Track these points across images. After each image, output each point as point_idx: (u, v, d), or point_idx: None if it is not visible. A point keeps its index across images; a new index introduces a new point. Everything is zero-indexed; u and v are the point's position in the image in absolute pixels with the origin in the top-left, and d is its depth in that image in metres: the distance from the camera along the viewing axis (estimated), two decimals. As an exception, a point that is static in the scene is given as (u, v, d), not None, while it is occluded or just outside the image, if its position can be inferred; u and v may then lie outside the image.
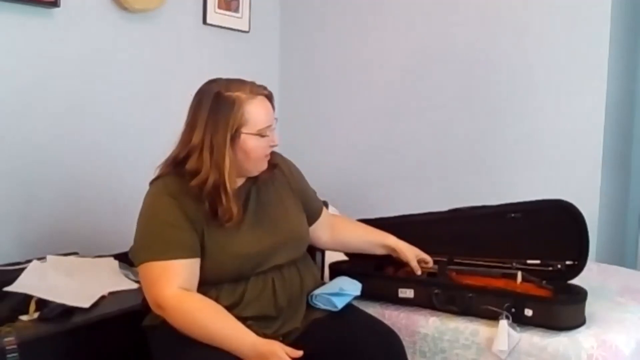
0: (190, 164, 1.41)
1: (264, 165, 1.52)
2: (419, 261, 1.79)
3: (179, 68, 2.60)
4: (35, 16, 2.09)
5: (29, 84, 2.10)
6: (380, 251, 1.81)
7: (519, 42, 2.46)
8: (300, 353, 1.35)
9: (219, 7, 2.73)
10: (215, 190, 1.40)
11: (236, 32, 2.84)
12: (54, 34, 2.15)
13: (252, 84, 1.49)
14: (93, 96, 2.30)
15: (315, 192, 1.77)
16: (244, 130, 1.43)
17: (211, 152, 1.40)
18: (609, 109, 2.34)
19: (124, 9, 2.35)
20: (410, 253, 1.78)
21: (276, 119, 1.52)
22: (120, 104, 2.39)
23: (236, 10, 2.82)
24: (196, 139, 1.41)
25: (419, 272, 1.78)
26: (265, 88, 1.50)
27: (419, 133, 2.74)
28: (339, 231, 1.80)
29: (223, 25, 2.77)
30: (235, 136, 1.42)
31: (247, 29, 2.88)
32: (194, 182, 1.39)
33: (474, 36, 2.57)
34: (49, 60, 2.15)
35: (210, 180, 1.39)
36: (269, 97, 1.51)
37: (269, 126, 1.47)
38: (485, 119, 2.56)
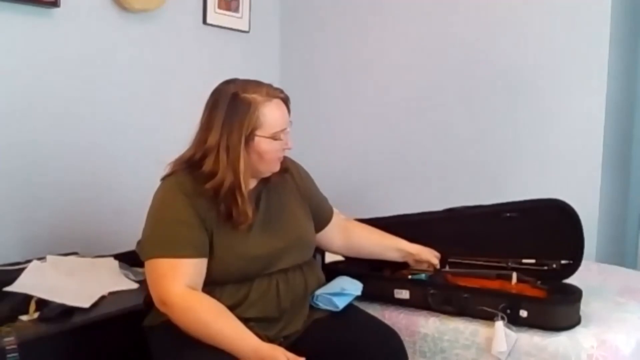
0: (207, 166, 1.40)
1: (276, 167, 1.52)
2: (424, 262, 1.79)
3: (179, 68, 2.60)
4: (35, 16, 2.09)
5: (29, 84, 2.10)
6: (394, 255, 1.81)
7: (519, 42, 2.46)
8: (302, 359, 1.35)
9: (219, 7, 2.73)
10: (231, 192, 1.40)
11: (236, 32, 2.85)
12: (54, 34, 2.16)
13: (269, 86, 1.48)
14: (93, 96, 2.30)
15: (326, 199, 1.77)
16: (258, 132, 1.43)
17: (227, 154, 1.40)
18: (609, 109, 2.34)
19: (124, 9, 2.35)
20: (428, 253, 1.79)
21: (291, 121, 1.51)
22: (120, 104, 2.39)
23: (236, 10, 2.82)
24: (212, 140, 1.41)
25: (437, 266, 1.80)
26: (281, 91, 1.50)
27: (419, 133, 2.74)
28: (354, 237, 1.80)
29: (223, 25, 2.77)
30: (249, 138, 1.42)
31: (247, 29, 2.89)
32: (209, 185, 1.39)
33: (474, 36, 2.57)
34: (49, 60, 2.15)
35: (227, 183, 1.39)
36: (285, 101, 1.51)
37: (284, 129, 1.47)
38: (485, 119, 2.56)
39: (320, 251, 1.92)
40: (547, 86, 2.41)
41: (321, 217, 1.71)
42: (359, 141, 2.93)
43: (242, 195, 1.40)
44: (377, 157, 2.87)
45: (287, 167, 1.60)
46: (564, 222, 1.72)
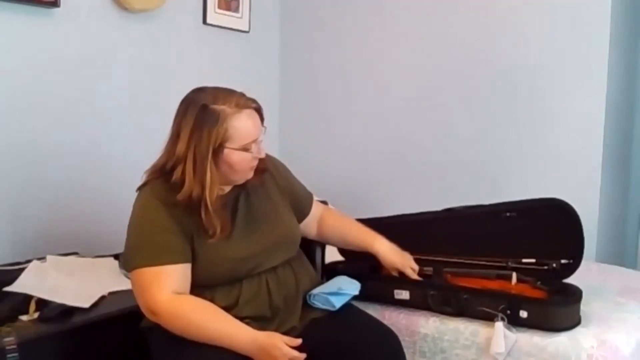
0: (176, 176, 1.39)
1: (249, 175, 1.50)
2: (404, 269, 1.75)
3: (179, 68, 2.60)
4: (35, 16, 2.09)
5: (29, 84, 2.10)
6: (360, 249, 1.78)
7: (519, 42, 2.46)
8: (299, 341, 1.35)
9: (219, 7, 2.74)
10: (199, 204, 1.39)
11: (236, 32, 2.85)
12: (54, 34, 2.16)
13: (240, 96, 1.44)
14: (93, 96, 2.30)
15: (303, 187, 1.75)
16: (227, 145, 1.40)
17: (194, 166, 1.38)
18: (609, 109, 2.34)
19: (124, 9, 2.35)
20: (391, 263, 1.74)
21: (265, 127, 1.49)
22: (120, 104, 2.39)
23: (236, 10, 2.82)
24: (180, 150, 1.39)
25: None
26: (254, 101, 1.46)
27: (419, 133, 2.74)
28: (323, 228, 1.78)
29: (223, 25, 2.77)
30: (218, 150, 1.40)
31: (247, 29, 2.89)
32: (179, 196, 1.38)
33: (474, 36, 2.57)
34: (49, 60, 2.15)
35: (195, 194, 1.38)
36: (257, 110, 1.48)
37: (255, 140, 1.45)
38: (485, 119, 2.56)
39: (321, 251, 1.92)
40: (547, 86, 2.41)
41: (301, 210, 1.71)
42: (359, 141, 2.93)
43: (207, 209, 1.38)
44: (377, 157, 2.87)
45: (266, 168, 1.58)
46: (564, 222, 1.72)
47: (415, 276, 1.74)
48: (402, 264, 1.74)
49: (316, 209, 1.77)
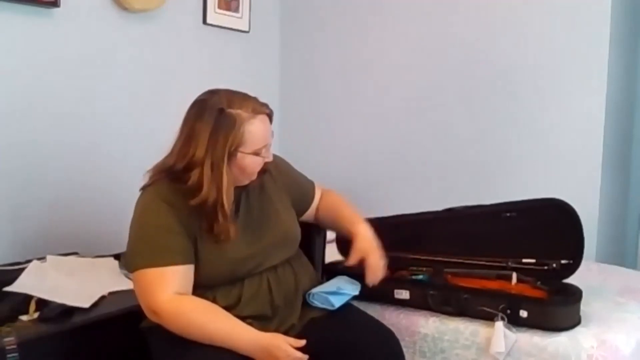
0: (192, 180, 1.38)
1: (254, 177, 1.51)
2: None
3: (179, 68, 2.60)
4: (35, 16, 2.09)
5: (29, 84, 2.10)
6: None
7: (519, 42, 2.46)
8: (302, 342, 1.35)
9: (219, 7, 2.74)
10: (214, 209, 1.39)
11: (236, 32, 2.85)
12: (54, 34, 2.16)
13: (255, 101, 1.46)
14: (93, 96, 2.30)
15: (305, 177, 1.76)
16: (241, 149, 1.41)
17: (212, 170, 1.38)
18: (609, 109, 2.34)
19: (124, 9, 2.35)
20: (361, 248, 1.61)
21: (272, 132, 1.50)
22: (120, 104, 2.39)
23: (236, 10, 2.82)
24: (199, 154, 1.38)
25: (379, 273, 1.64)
26: (267, 107, 1.48)
27: (419, 133, 2.74)
28: (319, 211, 1.78)
29: (223, 25, 2.77)
30: (232, 154, 1.40)
31: (247, 29, 2.89)
32: (194, 201, 1.37)
33: (474, 36, 2.57)
34: (49, 60, 2.15)
35: (211, 199, 1.38)
36: (270, 116, 1.49)
37: (266, 145, 1.46)
38: (485, 119, 2.56)
39: (321, 250, 1.92)
40: (547, 86, 2.41)
41: (304, 201, 1.73)
42: (359, 141, 2.93)
43: (224, 212, 1.39)
44: (377, 157, 2.87)
45: (266, 169, 1.57)
46: (564, 222, 1.72)
47: (377, 274, 1.61)
48: (370, 253, 1.61)
49: (317, 196, 1.78)
